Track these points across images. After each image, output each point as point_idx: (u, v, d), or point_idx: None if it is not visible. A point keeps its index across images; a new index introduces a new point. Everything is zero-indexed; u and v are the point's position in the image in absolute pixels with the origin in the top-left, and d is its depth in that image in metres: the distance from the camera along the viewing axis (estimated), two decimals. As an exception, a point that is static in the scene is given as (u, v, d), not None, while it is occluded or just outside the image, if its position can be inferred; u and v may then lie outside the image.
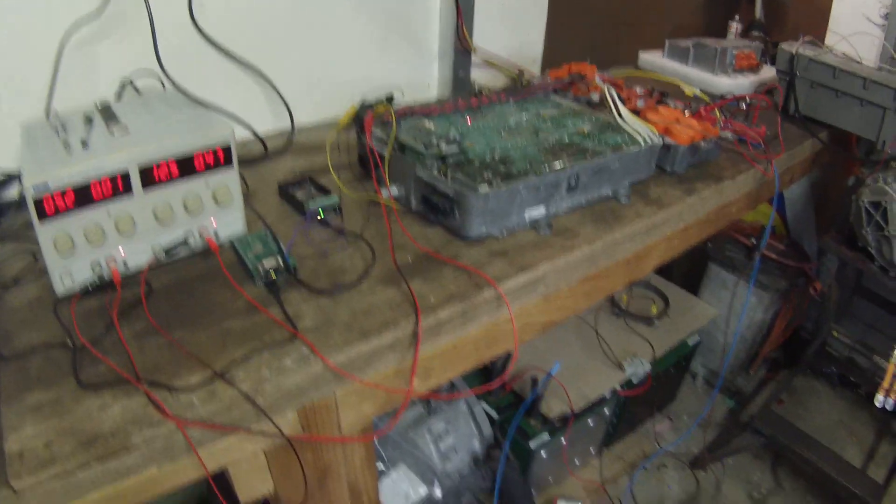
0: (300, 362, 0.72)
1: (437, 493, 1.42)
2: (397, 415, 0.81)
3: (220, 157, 0.85)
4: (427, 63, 1.46)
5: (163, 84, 1.12)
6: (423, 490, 1.40)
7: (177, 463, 0.67)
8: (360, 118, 1.06)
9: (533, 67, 1.65)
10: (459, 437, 1.53)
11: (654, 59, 1.85)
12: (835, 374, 1.94)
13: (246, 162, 1.16)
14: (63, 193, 0.74)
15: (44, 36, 1.01)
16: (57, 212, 0.75)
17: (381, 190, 0.98)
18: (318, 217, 0.97)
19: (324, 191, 1.03)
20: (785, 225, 2.07)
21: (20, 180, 1.02)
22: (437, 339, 0.83)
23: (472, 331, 0.87)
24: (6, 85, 1.01)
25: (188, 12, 1.11)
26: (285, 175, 1.13)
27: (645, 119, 1.23)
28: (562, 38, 1.68)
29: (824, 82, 1.53)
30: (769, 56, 1.97)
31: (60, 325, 0.76)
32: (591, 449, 1.70)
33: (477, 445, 1.53)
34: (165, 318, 0.77)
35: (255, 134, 1.20)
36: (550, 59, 1.68)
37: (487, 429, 1.52)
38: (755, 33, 2.16)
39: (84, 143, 0.80)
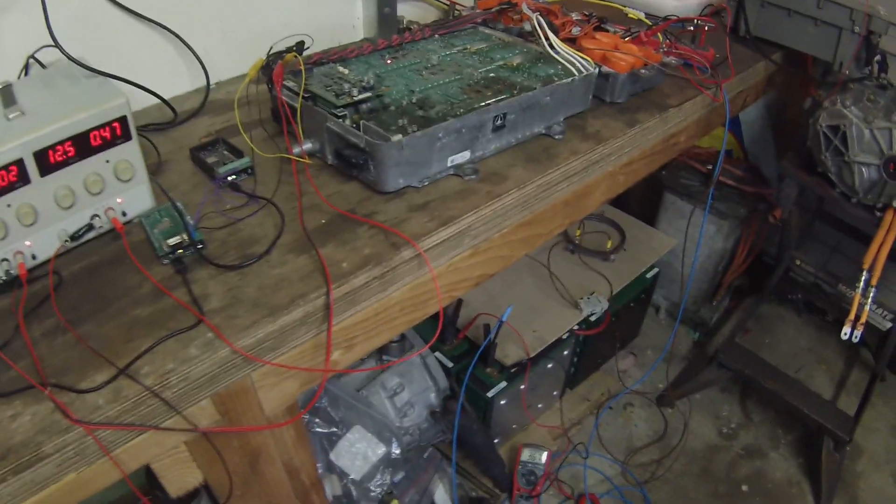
0: (205, 349, 0.67)
1: (396, 450, 1.40)
2: (316, 395, 0.78)
3: (118, 131, 0.79)
4: (349, 1, 1.37)
5: (66, 55, 1.04)
6: (381, 449, 1.38)
7: (94, 467, 0.64)
8: (269, 69, 0.99)
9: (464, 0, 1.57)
10: (415, 390, 1.50)
11: (597, -19, 1.77)
12: (800, 300, 1.94)
13: (157, 127, 1.09)
14: None
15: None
16: None
17: (293, 146, 0.92)
18: (231, 181, 0.91)
19: (235, 152, 0.97)
20: (742, 149, 2.03)
21: None
22: (355, 308, 0.78)
23: (395, 294, 0.82)
24: None
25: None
26: (199, 136, 1.06)
27: (580, 48, 1.17)
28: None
29: (775, 1, 1.47)
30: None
31: None
32: (554, 392, 1.69)
33: (433, 398, 1.50)
34: (75, 310, 0.72)
35: (160, 98, 1.12)
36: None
37: (443, 380, 1.50)
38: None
39: None
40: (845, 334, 1.43)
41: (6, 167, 0.71)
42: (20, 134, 0.73)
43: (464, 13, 1.45)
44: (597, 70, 1.09)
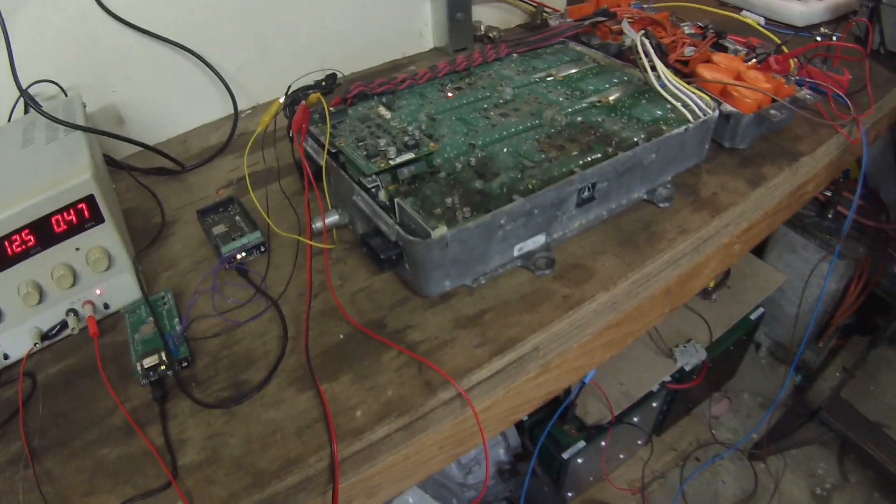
0: None
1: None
2: None
3: (85, 213, 0.59)
4: (417, 4, 1.05)
5: (64, 92, 0.80)
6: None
7: None
8: (291, 112, 0.69)
9: (556, 1, 1.20)
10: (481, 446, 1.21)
11: (710, -22, 1.37)
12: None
13: (169, 173, 0.83)
14: None
15: None
16: None
17: (314, 221, 0.63)
18: (238, 261, 0.66)
19: (249, 220, 0.70)
20: (860, 169, 1.59)
21: None
22: (373, 462, 0.52)
23: (431, 436, 0.55)
24: None
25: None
26: (217, 185, 0.80)
27: (696, 76, 0.82)
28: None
29: (920, 10, 1.05)
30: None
31: None
32: (638, 441, 1.36)
33: (503, 454, 1.22)
34: (42, 435, 0.54)
35: (151, 149, 0.84)
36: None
37: (514, 437, 1.21)
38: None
39: None
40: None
41: None
42: None
43: (550, 19, 1.10)
44: (717, 112, 0.74)
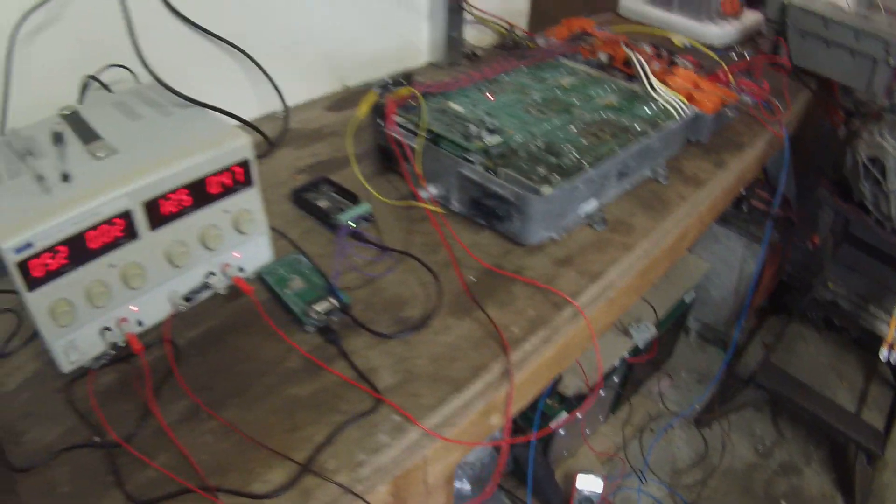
0: (395, 434, 0.60)
1: (466, 486, 1.35)
2: (500, 466, 0.73)
3: (239, 176, 0.69)
4: (416, 23, 1.31)
5: (136, 78, 0.92)
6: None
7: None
8: (379, 105, 0.93)
9: (520, 21, 1.52)
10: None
11: (635, 6, 1.74)
12: (820, 318, 1.97)
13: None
14: (53, 250, 0.57)
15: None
16: (48, 274, 0.58)
17: (420, 191, 0.87)
18: (351, 230, 0.84)
19: (347, 195, 0.89)
20: (763, 169, 2.05)
21: None
22: (520, 373, 0.72)
23: (548, 353, 0.76)
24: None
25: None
26: (288, 172, 0.99)
27: (667, 85, 1.15)
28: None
29: (815, 31, 1.47)
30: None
31: (79, 416, 0.60)
32: (600, 417, 1.66)
33: (497, 432, 1.46)
34: (208, 389, 0.63)
35: (258, 131, 1.03)
36: (535, 10, 1.56)
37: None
38: (726, -29, 2.07)
39: (65, 176, 0.62)
40: (884, 356, 1.45)
41: (109, 221, 0.60)
42: (125, 180, 0.61)
43: (521, 36, 1.42)
44: (693, 111, 1.07)
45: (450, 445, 0.68)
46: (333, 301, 0.71)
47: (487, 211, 0.82)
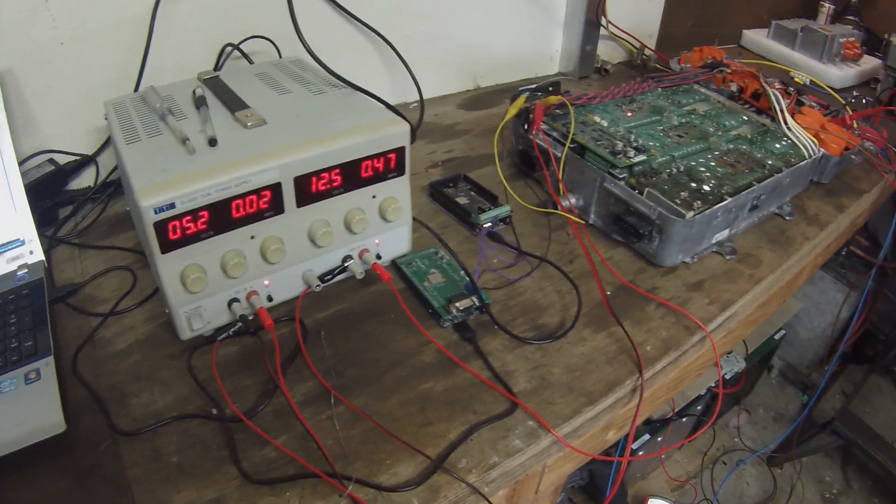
0: (528, 439, 0.60)
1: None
2: (617, 482, 0.74)
3: (392, 163, 0.68)
4: (551, 32, 1.33)
5: (278, 52, 0.95)
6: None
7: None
8: (527, 109, 0.95)
9: (649, 42, 1.53)
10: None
11: (758, 39, 1.73)
12: (900, 372, 1.93)
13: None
14: (195, 215, 0.56)
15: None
16: (186, 238, 0.57)
17: (561, 200, 0.89)
18: (489, 230, 0.86)
19: (486, 194, 0.91)
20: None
21: (97, 165, 0.86)
22: (646, 392, 0.73)
23: (673, 374, 0.77)
24: (75, 44, 0.81)
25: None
26: (423, 165, 1.02)
27: (796, 123, 1.15)
28: (673, 12, 1.57)
29: (932, 75, 1.45)
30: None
31: (198, 385, 0.60)
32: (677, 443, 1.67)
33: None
34: (337, 374, 0.63)
35: (403, 117, 1.05)
36: (664, 31, 1.57)
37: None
38: (849, 17, 2.04)
39: (211, 140, 0.61)
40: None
41: (258, 192, 0.59)
42: (278, 152, 0.60)
43: (651, 58, 1.42)
44: (821, 152, 1.07)
45: (569, 455, 0.69)
46: (475, 300, 0.71)
47: (627, 228, 0.84)
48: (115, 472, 0.52)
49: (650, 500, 1.44)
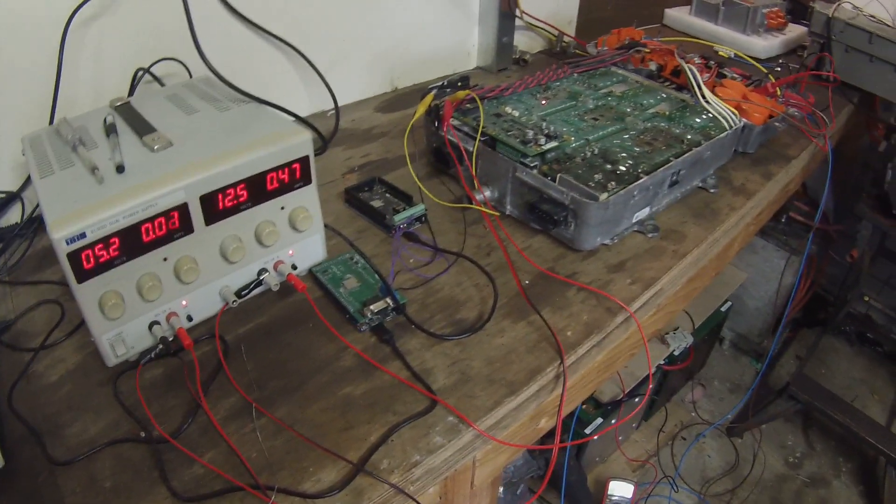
0: (450, 435, 0.58)
1: (500, 490, 1.34)
2: (546, 476, 0.72)
3: (297, 173, 0.67)
4: (467, 27, 1.30)
5: (189, 72, 0.93)
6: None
7: None
8: (436, 107, 0.92)
9: (568, 29, 1.51)
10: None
11: (681, 17, 1.72)
12: (853, 331, 1.93)
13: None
14: (106, 242, 0.56)
15: (44, 15, 0.80)
16: (99, 266, 0.56)
17: (475, 194, 0.86)
18: (405, 231, 0.84)
19: (401, 195, 0.89)
20: (803, 183, 2.01)
21: (22, 201, 0.84)
22: (572, 378, 0.71)
23: (599, 358, 0.75)
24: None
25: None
26: (340, 171, 0.99)
27: (717, 96, 1.13)
28: (592, -3, 1.55)
29: (859, 47, 1.44)
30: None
31: (125, 410, 0.59)
32: (633, 423, 1.65)
33: (530, 435, 1.45)
34: (259, 387, 0.62)
35: (314, 129, 1.03)
36: (584, 17, 1.55)
37: (539, 419, 1.44)
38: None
39: (119, 167, 0.60)
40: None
41: (166, 213, 0.59)
42: (182, 173, 0.60)
43: (570, 44, 1.40)
44: (742, 122, 1.05)
45: (499, 448, 0.67)
46: (389, 301, 0.70)
47: (543, 215, 0.81)
48: (55, 501, 0.52)
49: (611, 482, 1.42)
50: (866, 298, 1.73)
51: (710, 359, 1.88)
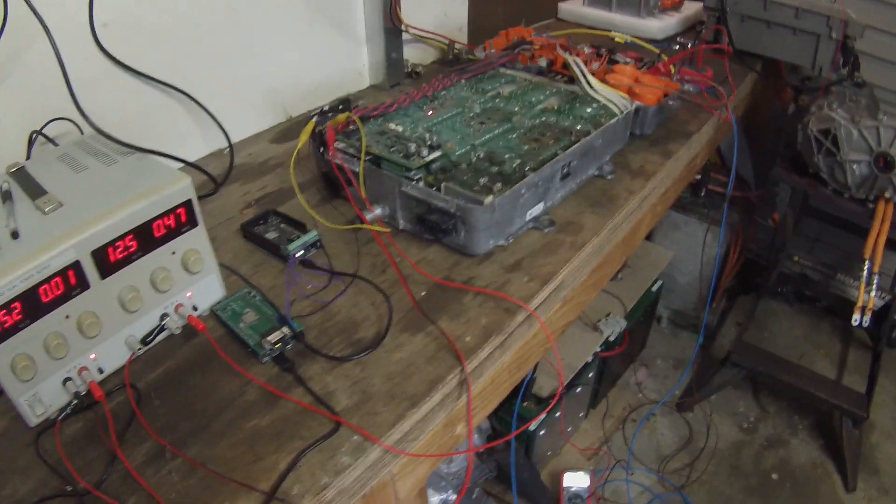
0: (356, 454, 0.59)
1: (453, 496, 1.33)
2: (465, 484, 0.70)
3: (182, 217, 0.68)
4: (355, 48, 1.29)
5: (80, 129, 0.91)
6: (437, 499, 1.31)
7: None
8: (319, 133, 0.91)
9: (460, 37, 1.51)
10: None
11: (575, 9, 1.74)
12: (790, 292, 1.96)
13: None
14: (8, 308, 0.57)
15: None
16: (6, 331, 0.57)
17: (365, 214, 0.85)
18: (300, 259, 0.82)
19: (295, 224, 0.88)
20: (719, 154, 2.04)
21: None
22: (479, 381, 0.71)
23: (507, 359, 0.75)
24: None
25: (91, 36, 0.90)
26: (237, 207, 0.97)
27: (607, 83, 1.13)
28: (480, 3, 1.54)
29: (755, 14, 1.47)
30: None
31: (49, 467, 0.59)
32: (580, 413, 1.64)
33: (476, 439, 1.44)
34: (171, 430, 0.62)
35: (204, 172, 1.02)
36: (475, 23, 1.55)
37: (485, 421, 1.43)
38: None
39: (14, 234, 0.61)
40: (856, 321, 1.43)
41: (61, 273, 0.60)
42: (71, 232, 0.61)
43: (463, 51, 1.40)
44: (634, 106, 1.05)
45: (416, 460, 0.67)
46: (286, 330, 0.70)
47: (432, 226, 0.80)
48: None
49: (565, 474, 1.41)
50: (795, 258, 1.75)
51: (650, 339, 1.89)
